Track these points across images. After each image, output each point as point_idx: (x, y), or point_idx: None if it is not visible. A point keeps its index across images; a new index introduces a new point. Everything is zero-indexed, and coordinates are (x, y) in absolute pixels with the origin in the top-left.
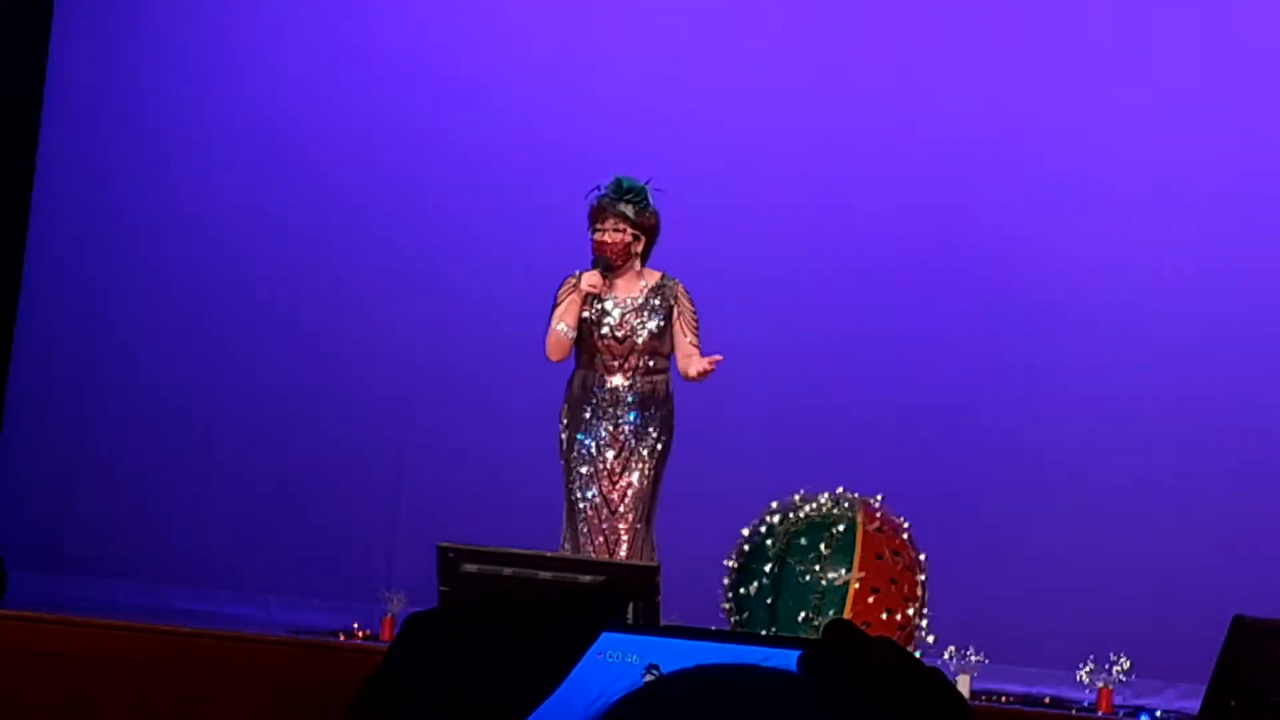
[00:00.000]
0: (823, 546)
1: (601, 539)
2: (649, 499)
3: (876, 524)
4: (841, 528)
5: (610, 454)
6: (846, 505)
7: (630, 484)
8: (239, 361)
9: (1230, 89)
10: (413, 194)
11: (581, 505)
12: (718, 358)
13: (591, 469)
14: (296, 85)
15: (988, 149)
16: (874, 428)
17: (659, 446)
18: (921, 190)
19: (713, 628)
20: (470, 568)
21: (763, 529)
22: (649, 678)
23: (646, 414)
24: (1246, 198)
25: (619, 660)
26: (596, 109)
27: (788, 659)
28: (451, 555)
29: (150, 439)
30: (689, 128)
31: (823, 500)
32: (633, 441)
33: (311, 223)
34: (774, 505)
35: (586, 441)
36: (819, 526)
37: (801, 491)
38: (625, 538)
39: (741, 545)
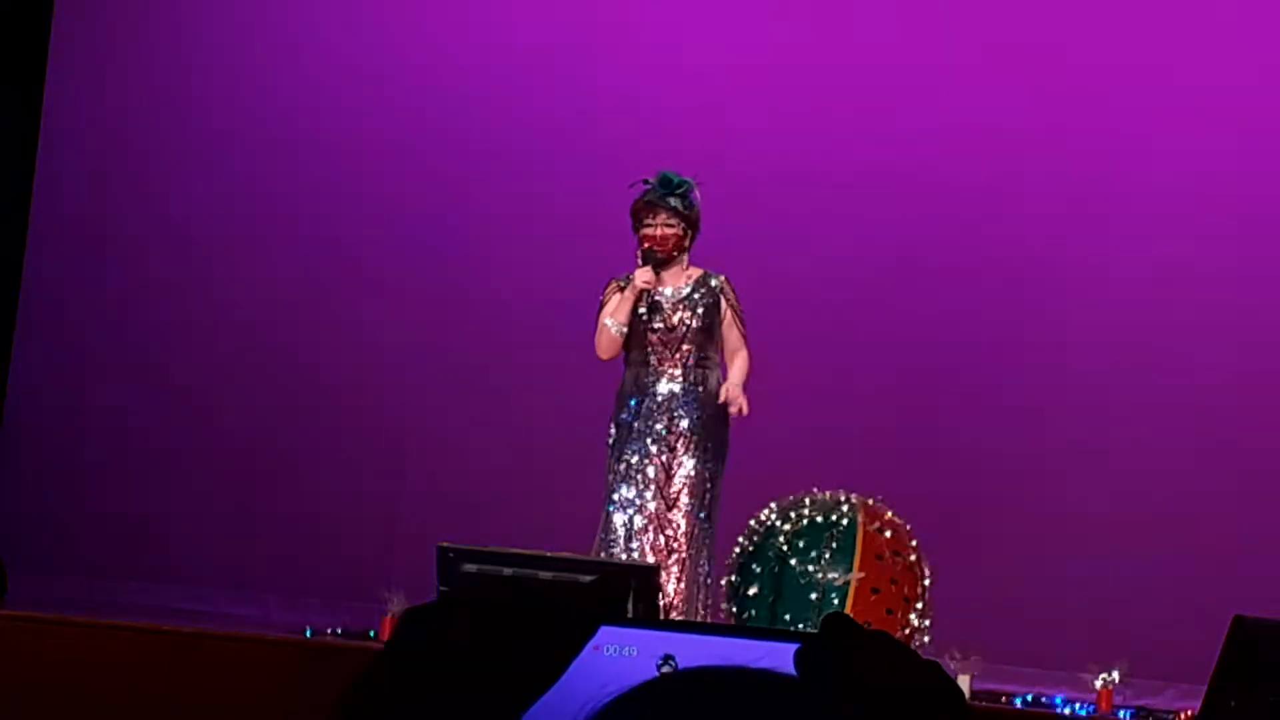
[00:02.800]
0: (823, 546)
1: (659, 536)
2: (704, 494)
3: (877, 524)
4: (842, 528)
5: (665, 451)
6: (847, 505)
7: (687, 479)
8: (239, 361)
9: (1239, 91)
10: (412, 193)
11: (632, 500)
12: (741, 406)
13: (642, 464)
14: (297, 82)
15: (998, 151)
16: (875, 427)
17: (713, 442)
18: (929, 191)
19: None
20: (470, 568)
21: (763, 529)
22: (666, 669)
23: (699, 408)
24: (1250, 200)
25: (617, 654)
26: (598, 107)
27: (785, 654)
28: (451, 555)
29: (150, 439)
30: (692, 127)
31: (823, 500)
32: (687, 438)
33: (310, 222)
34: (774, 505)
35: (637, 438)
36: (819, 526)
37: (802, 491)
38: (684, 530)
39: (742, 545)
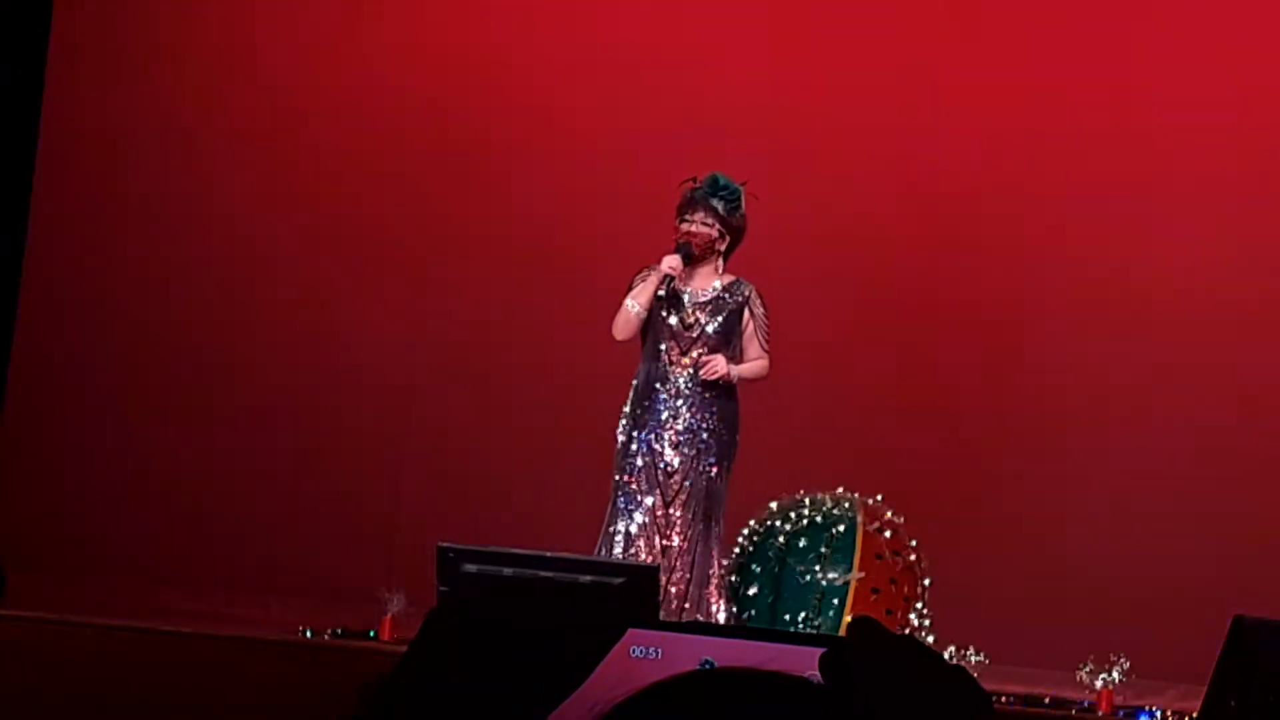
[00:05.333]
0: (823, 546)
1: (659, 534)
2: (706, 496)
3: (876, 524)
4: (841, 528)
5: (669, 449)
6: (847, 505)
7: (687, 478)
8: (239, 361)
9: (1239, 95)
10: (414, 192)
11: (636, 494)
12: (714, 369)
13: (649, 460)
14: (302, 82)
15: (1001, 150)
16: (875, 427)
17: (720, 442)
18: (928, 191)
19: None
20: (470, 568)
21: (762, 529)
22: None
23: (707, 409)
24: (1249, 201)
25: (645, 655)
26: (601, 109)
27: (811, 658)
28: (451, 555)
29: (150, 439)
30: (697, 127)
31: (823, 500)
32: (693, 436)
33: (312, 223)
34: (774, 505)
35: (645, 433)
36: (819, 526)
37: (802, 491)
38: (679, 532)
39: (742, 545)
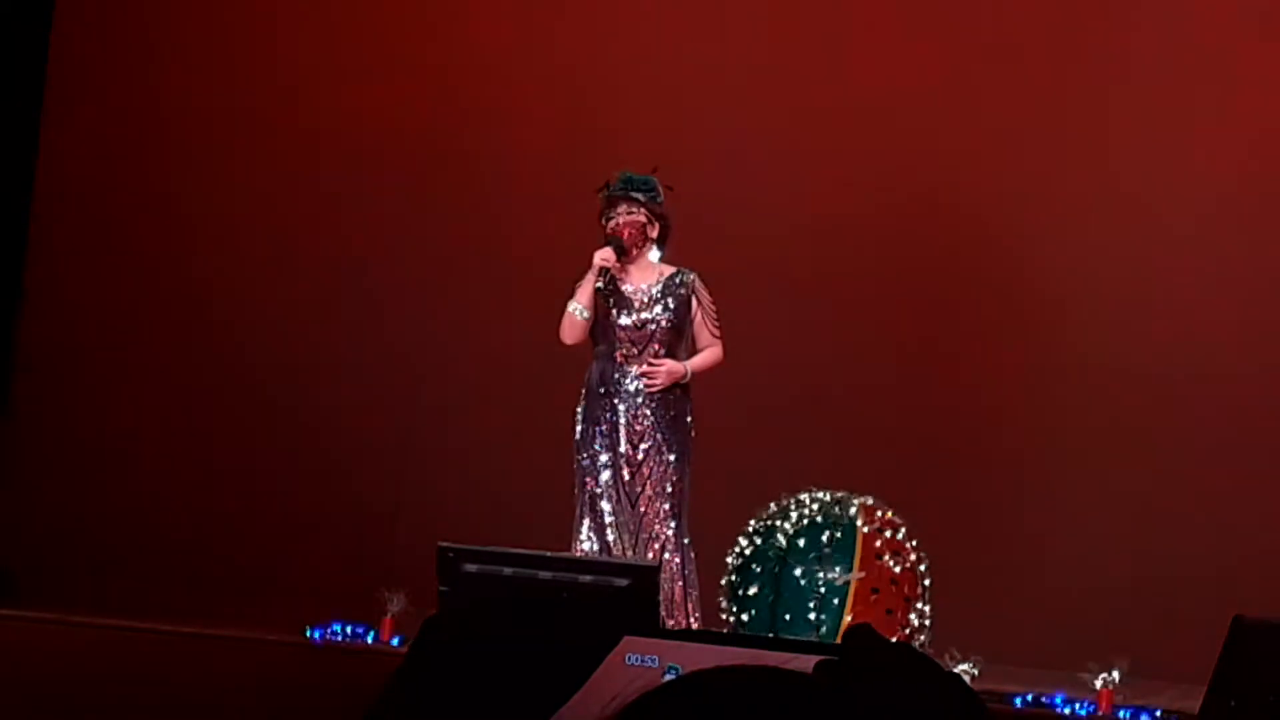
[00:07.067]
0: (823, 546)
1: (627, 533)
2: (667, 490)
3: (876, 524)
4: (842, 528)
5: (628, 445)
6: (847, 505)
7: (650, 475)
8: (240, 361)
9: (1235, 89)
10: (415, 194)
11: (600, 495)
12: (652, 377)
13: (609, 459)
14: (301, 74)
15: (996, 149)
16: (875, 428)
17: (678, 438)
18: (927, 186)
19: (740, 632)
20: (470, 568)
21: (763, 529)
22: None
23: (664, 406)
24: (1248, 199)
25: (640, 663)
26: (596, 109)
27: (808, 665)
28: (451, 555)
29: (150, 439)
30: (695, 125)
31: (823, 500)
32: (652, 433)
33: (312, 224)
34: (774, 505)
35: (603, 432)
36: (819, 526)
37: (802, 491)
38: (652, 531)
39: (741, 545)
